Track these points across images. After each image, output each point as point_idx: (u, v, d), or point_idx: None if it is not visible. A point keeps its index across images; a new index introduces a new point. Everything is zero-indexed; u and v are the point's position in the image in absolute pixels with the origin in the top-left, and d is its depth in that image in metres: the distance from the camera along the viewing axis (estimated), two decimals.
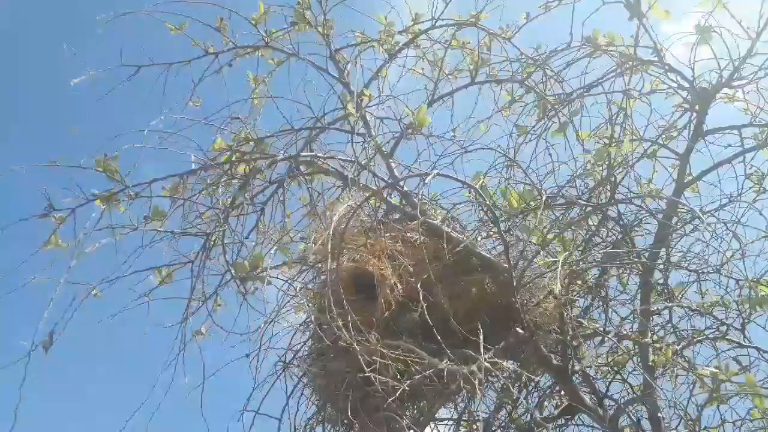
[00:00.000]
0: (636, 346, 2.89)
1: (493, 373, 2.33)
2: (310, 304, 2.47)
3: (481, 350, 1.96)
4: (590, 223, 3.25)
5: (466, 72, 3.07)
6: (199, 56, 3.12)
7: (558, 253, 2.56)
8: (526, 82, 3.09)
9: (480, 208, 2.64)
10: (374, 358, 2.17)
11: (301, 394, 2.44)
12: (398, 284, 2.38)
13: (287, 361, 2.48)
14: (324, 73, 3.15)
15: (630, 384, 2.93)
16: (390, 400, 2.11)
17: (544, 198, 2.50)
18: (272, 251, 2.53)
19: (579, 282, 2.63)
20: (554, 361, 2.50)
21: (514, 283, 2.20)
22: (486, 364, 1.86)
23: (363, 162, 2.40)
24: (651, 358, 2.87)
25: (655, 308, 3.09)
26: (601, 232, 3.16)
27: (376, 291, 2.40)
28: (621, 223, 3.04)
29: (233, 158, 2.89)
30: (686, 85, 2.78)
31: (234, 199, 2.84)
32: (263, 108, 3.23)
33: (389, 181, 2.77)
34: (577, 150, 3.07)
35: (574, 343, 2.49)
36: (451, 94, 3.04)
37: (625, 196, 3.15)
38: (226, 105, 3.08)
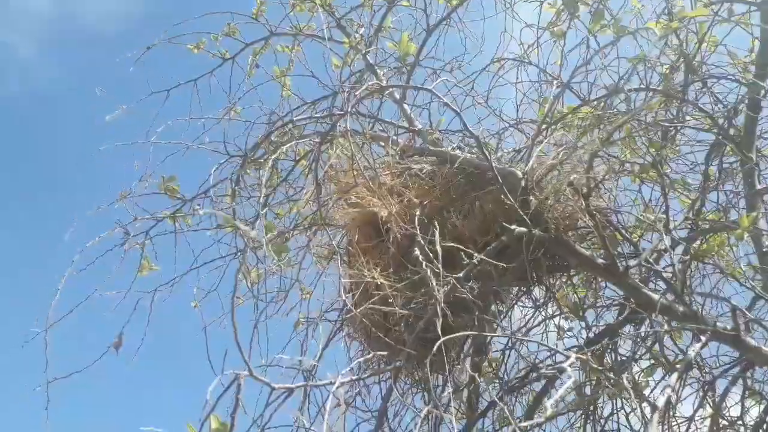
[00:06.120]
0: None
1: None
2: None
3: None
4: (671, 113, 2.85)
5: None
6: (219, 65, 3.30)
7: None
8: None
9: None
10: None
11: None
12: (401, 220, 2.29)
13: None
14: (332, 43, 3.15)
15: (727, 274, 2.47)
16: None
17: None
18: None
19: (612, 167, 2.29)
20: (599, 260, 2.20)
21: (498, 178, 1.99)
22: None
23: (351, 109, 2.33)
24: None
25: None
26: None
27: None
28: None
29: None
30: None
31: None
32: (291, 97, 3.32)
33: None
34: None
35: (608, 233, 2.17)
36: (448, 16, 2.86)
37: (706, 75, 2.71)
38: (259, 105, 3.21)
